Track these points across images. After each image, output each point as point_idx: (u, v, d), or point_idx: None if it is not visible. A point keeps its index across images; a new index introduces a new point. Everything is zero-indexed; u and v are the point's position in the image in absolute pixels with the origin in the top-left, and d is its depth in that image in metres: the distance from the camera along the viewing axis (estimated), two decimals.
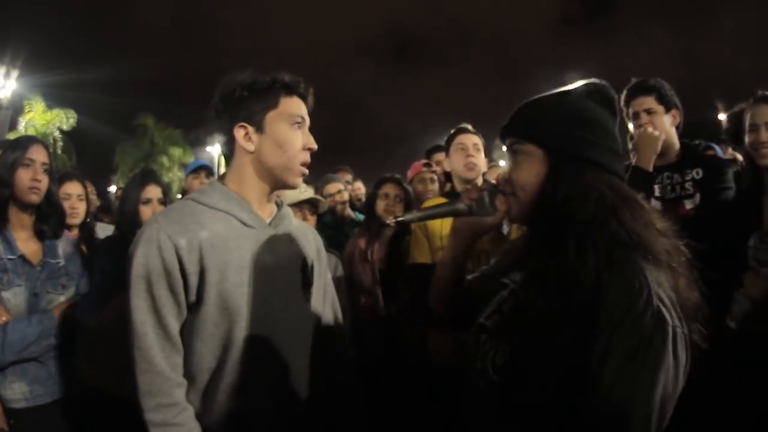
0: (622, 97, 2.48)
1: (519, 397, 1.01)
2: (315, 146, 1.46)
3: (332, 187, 3.76)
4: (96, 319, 2.07)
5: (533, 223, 1.17)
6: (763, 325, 1.88)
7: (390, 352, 2.79)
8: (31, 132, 18.80)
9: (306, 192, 2.83)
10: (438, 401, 2.42)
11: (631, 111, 2.44)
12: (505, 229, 2.36)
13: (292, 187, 1.48)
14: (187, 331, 1.32)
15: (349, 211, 3.75)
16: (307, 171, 1.46)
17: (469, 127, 2.69)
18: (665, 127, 2.37)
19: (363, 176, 5.03)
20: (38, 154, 2.06)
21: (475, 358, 1.15)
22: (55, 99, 21.04)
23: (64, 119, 21.08)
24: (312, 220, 2.80)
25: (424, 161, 3.78)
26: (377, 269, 2.91)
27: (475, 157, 2.56)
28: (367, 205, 3.10)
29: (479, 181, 2.54)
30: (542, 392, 0.97)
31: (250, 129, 1.40)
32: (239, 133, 1.40)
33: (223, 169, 3.06)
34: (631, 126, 2.48)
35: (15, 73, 17.58)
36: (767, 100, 2.15)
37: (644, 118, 2.38)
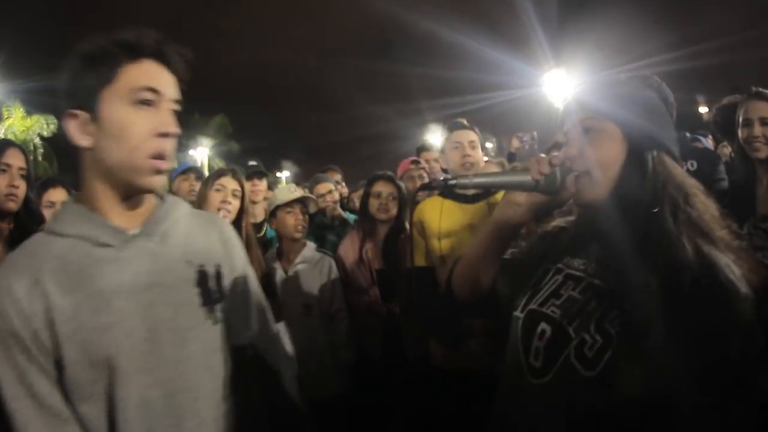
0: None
1: (621, 393, 0.93)
2: (173, 129, 1.05)
3: (323, 188, 3.72)
4: None
5: (609, 205, 1.07)
6: (758, 311, 1.93)
7: (388, 354, 2.74)
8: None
9: (296, 192, 2.79)
10: (437, 404, 2.40)
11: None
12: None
13: (148, 191, 1.09)
14: (68, 396, 1.00)
15: (339, 211, 3.71)
16: (164, 166, 1.05)
17: (465, 122, 2.63)
18: None
19: (350, 175, 5.02)
20: (15, 159, 1.94)
21: (526, 351, 1.07)
22: (35, 105, 20.71)
23: (44, 125, 20.75)
24: (304, 220, 2.76)
25: (412, 159, 3.76)
26: (373, 269, 2.86)
27: (472, 155, 2.51)
28: (361, 204, 3.04)
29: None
30: (673, 386, 0.90)
31: (84, 116, 1.01)
32: (70, 123, 1.02)
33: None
34: None
35: None
36: (761, 96, 2.20)
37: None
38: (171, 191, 3.86)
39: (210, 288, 1.13)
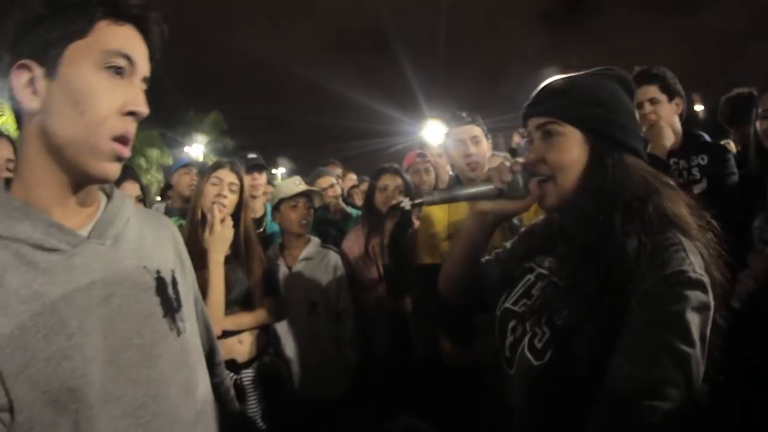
0: None
1: (568, 379, 0.96)
2: (142, 109, 0.88)
3: (324, 181, 3.63)
4: None
5: (572, 206, 1.10)
6: (766, 304, 1.93)
7: (395, 351, 2.68)
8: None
9: (300, 185, 2.70)
10: (447, 401, 2.33)
11: (634, 100, 2.42)
12: (516, 219, 2.28)
13: (101, 180, 0.89)
14: None
15: (342, 205, 3.63)
16: (125, 152, 0.87)
17: (465, 115, 2.45)
18: (669, 116, 2.41)
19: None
20: (1, 150, 1.78)
21: (503, 346, 1.12)
22: None
23: None
24: (309, 215, 2.68)
25: (418, 152, 3.68)
26: (380, 264, 2.79)
27: (476, 153, 2.37)
28: (366, 198, 2.96)
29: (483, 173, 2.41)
30: (595, 373, 0.93)
31: (38, 71, 0.82)
32: (19, 78, 0.82)
33: None
34: (636, 114, 2.47)
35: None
36: None
37: (648, 108, 2.41)
38: (170, 185, 3.76)
39: (169, 295, 0.98)
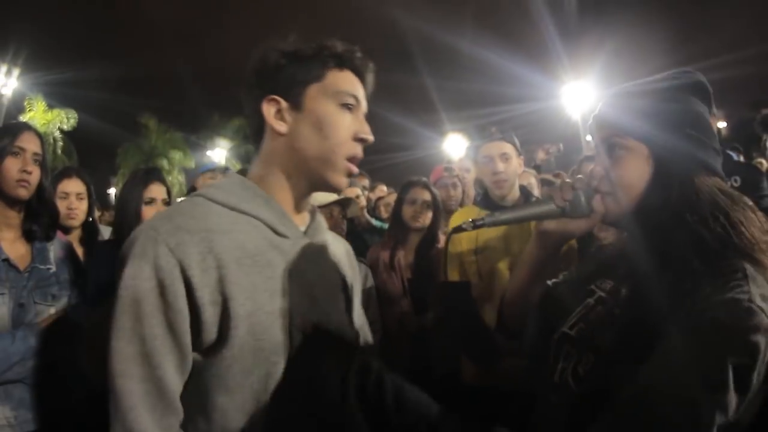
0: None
1: (596, 409, 0.90)
2: (370, 137, 1.10)
3: (350, 192, 3.57)
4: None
5: (632, 226, 1.06)
6: None
7: (416, 367, 2.60)
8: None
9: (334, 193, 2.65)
10: (466, 417, 2.25)
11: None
12: None
13: (335, 189, 1.12)
14: (203, 384, 0.95)
15: (367, 217, 3.58)
16: (355, 169, 1.10)
17: (494, 130, 2.45)
18: None
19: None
20: (29, 143, 1.79)
21: (553, 371, 1.07)
22: (56, 97, 21.03)
23: (65, 119, 20.97)
24: (342, 223, 2.63)
25: (445, 166, 3.62)
26: (405, 278, 2.74)
27: (504, 171, 2.33)
28: (394, 211, 2.92)
29: (511, 191, 2.38)
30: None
31: (284, 104, 1.06)
32: (269, 108, 1.06)
33: None
34: None
35: (16, 72, 17.55)
36: None
37: None
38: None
39: (350, 296, 1.17)
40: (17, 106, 18.91)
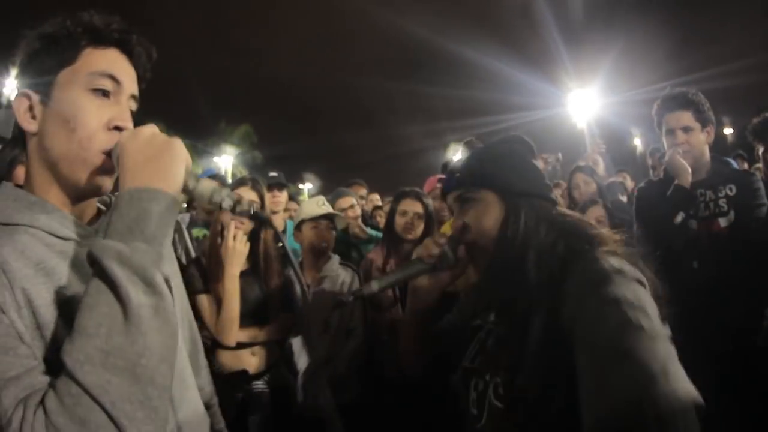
0: (655, 106, 2.42)
1: (528, 415, 0.99)
2: (127, 124, 0.94)
3: (344, 202, 3.66)
4: None
5: (494, 261, 1.17)
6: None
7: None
8: None
9: (324, 206, 2.73)
10: (456, 421, 2.31)
11: (665, 126, 2.37)
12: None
13: (92, 192, 0.95)
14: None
15: (361, 226, 3.64)
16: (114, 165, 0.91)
17: (475, 140, 2.57)
18: (701, 145, 2.33)
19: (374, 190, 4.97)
20: None
21: (467, 404, 1.15)
22: None
23: None
24: (330, 236, 2.71)
25: (439, 176, 3.67)
26: (397, 287, 2.78)
27: None
28: (387, 221, 2.96)
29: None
30: (552, 400, 0.96)
31: (34, 98, 0.91)
32: (19, 104, 0.92)
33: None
34: (664, 140, 2.41)
35: (15, 71, 17.70)
36: None
37: (681, 136, 2.32)
38: None
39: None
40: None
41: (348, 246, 3.45)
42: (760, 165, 3.35)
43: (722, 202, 2.29)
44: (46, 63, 0.92)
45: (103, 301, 0.69)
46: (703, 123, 2.32)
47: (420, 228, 2.81)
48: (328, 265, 2.73)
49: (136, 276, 0.71)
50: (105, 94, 0.93)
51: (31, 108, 0.92)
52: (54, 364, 0.73)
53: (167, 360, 0.72)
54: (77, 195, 0.94)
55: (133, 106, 0.99)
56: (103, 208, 1.06)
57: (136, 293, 0.70)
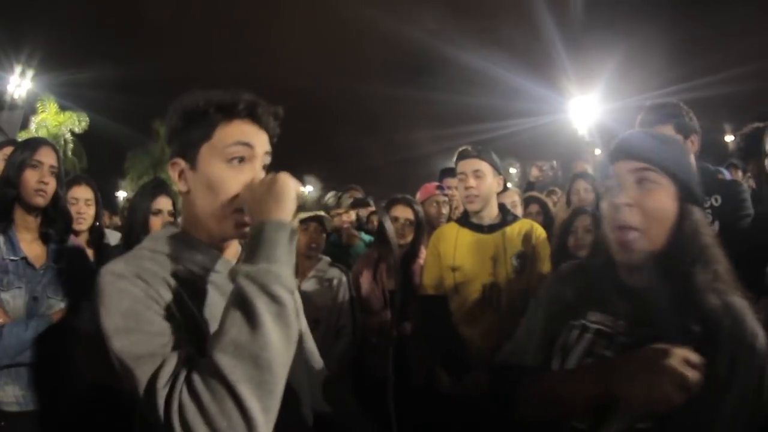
0: (638, 119, 2.40)
1: None
2: None
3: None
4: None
5: (655, 261, 1.08)
6: None
7: (397, 375, 2.73)
8: (42, 133, 18.95)
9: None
10: (441, 426, 2.39)
11: None
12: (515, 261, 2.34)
13: (233, 236, 1.17)
14: None
15: (353, 232, 3.71)
16: (245, 219, 1.11)
17: (470, 149, 2.48)
18: None
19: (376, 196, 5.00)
20: (47, 157, 2.06)
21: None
22: (69, 98, 21.18)
23: (76, 122, 21.21)
24: (319, 238, 2.78)
25: (436, 184, 3.73)
26: (387, 291, 2.86)
27: (476, 187, 2.41)
28: (378, 226, 3.03)
29: (483, 209, 2.45)
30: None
31: (184, 165, 1.12)
32: (173, 170, 1.13)
33: None
34: None
35: (30, 73, 17.74)
36: None
37: None
38: None
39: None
40: (30, 106, 19.10)
41: (341, 250, 3.52)
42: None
43: (707, 212, 2.25)
44: (191, 138, 1.11)
45: (236, 308, 0.90)
46: (686, 134, 2.28)
47: (410, 234, 2.87)
48: (318, 266, 2.80)
49: (261, 289, 0.90)
50: (241, 161, 1.10)
51: (182, 173, 1.12)
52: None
53: (283, 356, 0.90)
54: (222, 238, 1.15)
55: (267, 160, 1.17)
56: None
57: (259, 302, 0.89)
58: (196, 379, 0.87)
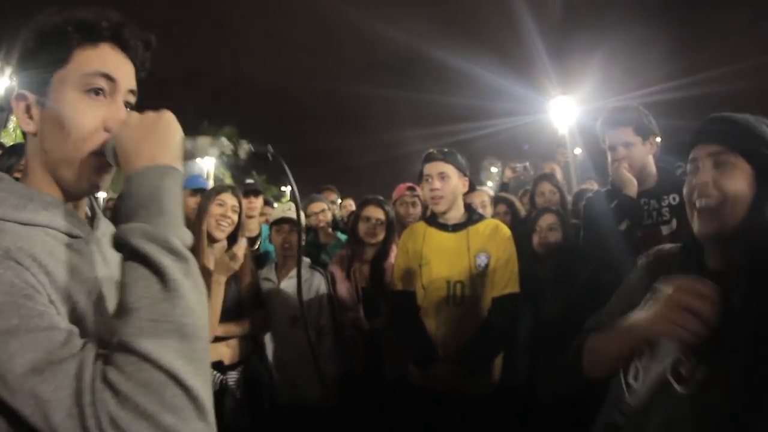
0: (598, 124, 2.49)
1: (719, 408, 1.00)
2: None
3: (316, 207, 3.87)
4: None
5: (734, 243, 1.11)
6: None
7: (370, 367, 2.86)
8: (20, 132, 18.57)
9: (289, 211, 2.92)
10: (414, 417, 2.51)
11: (607, 142, 2.44)
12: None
13: (89, 191, 0.97)
14: None
15: (329, 231, 3.83)
16: (107, 164, 0.92)
17: (435, 152, 2.58)
18: (643, 158, 2.39)
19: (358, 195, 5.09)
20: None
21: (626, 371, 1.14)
22: None
23: None
24: (291, 238, 2.90)
25: (408, 185, 3.85)
26: (360, 287, 2.97)
27: (440, 189, 2.51)
28: (351, 226, 3.15)
29: (449, 209, 2.55)
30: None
31: (31, 99, 0.91)
32: (18, 105, 0.92)
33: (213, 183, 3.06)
34: (609, 155, 2.48)
35: (9, 70, 17.40)
36: None
37: (621, 152, 2.38)
38: None
39: None
40: (9, 105, 18.72)
41: (318, 249, 3.65)
42: None
43: (665, 210, 2.34)
44: (41, 62, 0.90)
45: (140, 277, 0.74)
46: (644, 136, 2.37)
47: (381, 233, 2.99)
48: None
49: (163, 248, 0.75)
50: (100, 92, 0.91)
51: (28, 108, 0.91)
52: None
53: (203, 317, 0.77)
54: (74, 194, 0.95)
55: (132, 99, 0.97)
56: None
57: (168, 262, 0.74)
58: (119, 379, 0.67)
